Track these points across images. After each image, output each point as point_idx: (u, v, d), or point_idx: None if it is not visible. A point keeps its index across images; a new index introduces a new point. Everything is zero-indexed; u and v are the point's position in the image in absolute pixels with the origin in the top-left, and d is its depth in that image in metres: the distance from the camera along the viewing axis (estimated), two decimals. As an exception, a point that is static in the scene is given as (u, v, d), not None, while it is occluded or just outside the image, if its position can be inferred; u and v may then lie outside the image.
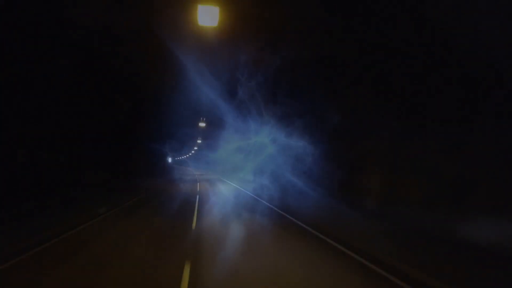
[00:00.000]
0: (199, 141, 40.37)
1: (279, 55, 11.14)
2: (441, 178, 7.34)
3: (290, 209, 11.06)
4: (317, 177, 15.59)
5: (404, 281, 4.53)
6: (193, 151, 62.66)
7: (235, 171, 31.15)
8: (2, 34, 8.08)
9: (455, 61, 7.09)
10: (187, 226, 8.14)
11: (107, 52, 12.15)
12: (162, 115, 25.74)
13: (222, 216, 9.79)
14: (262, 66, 12.26)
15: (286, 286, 4.33)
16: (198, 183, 25.33)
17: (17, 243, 5.72)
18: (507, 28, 5.90)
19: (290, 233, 7.89)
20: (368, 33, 8.60)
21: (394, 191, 9.25)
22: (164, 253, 5.66)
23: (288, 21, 9.43)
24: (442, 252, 6.03)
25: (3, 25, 7.95)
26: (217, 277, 4.56)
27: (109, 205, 11.09)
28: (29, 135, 10.66)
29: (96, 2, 8.39)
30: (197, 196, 15.39)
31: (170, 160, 57.88)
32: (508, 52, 6.02)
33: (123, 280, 4.31)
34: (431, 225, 7.16)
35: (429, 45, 7.46)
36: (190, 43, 10.40)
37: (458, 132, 7.01)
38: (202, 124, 24.85)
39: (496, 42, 6.14)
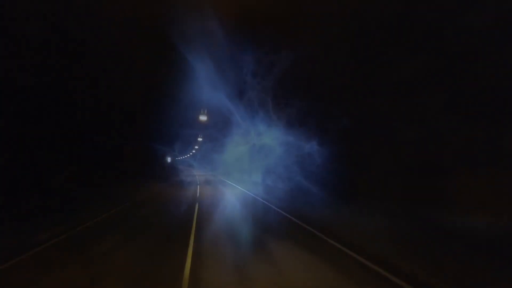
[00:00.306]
0: (199, 139, 36.76)
1: (290, 53, 10.46)
2: None
3: (344, 237, 7.25)
4: (347, 181, 12.05)
5: None
6: (194, 151, 59.05)
7: (242, 172, 28.11)
8: None
9: None
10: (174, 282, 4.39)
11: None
12: (162, 114, 23.82)
13: (234, 247, 6.07)
14: (271, 65, 11.67)
15: None
16: (198, 186, 21.60)
17: None
18: None
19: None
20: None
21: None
22: None
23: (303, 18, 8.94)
24: None
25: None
26: None
27: (62, 227, 7.41)
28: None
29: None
30: (196, 206, 11.67)
31: (169, 160, 54.20)
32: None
33: None
34: None
35: None
36: (196, 36, 9.91)
37: None
38: (203, 118, 21.17)
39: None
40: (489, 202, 6.33)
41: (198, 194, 16.36)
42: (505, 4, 5.71)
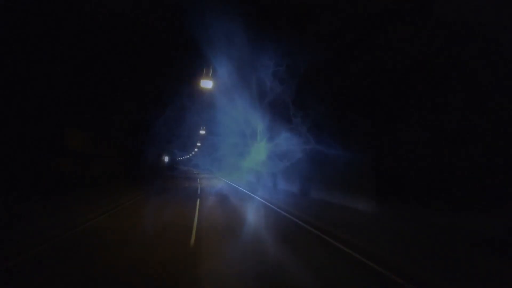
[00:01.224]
0: (202, 132, 28.57)
1: (309, 57, 10.00)
2: None
3: None
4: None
5: None
6: (196, 149, 50.74)
7: (259, 177, 20.97)
8: None
9: None
10: None
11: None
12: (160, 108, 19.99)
13: None
14: (291, 69, 10.96)
15: None
16: (198, 200, 13.10)
17: None
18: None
19: None
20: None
21: None
22: None
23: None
24: None
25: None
26: None
27: None
28: None
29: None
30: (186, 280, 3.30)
31: (167, 159, 45.69)
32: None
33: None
34: None
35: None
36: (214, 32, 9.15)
37: None
38: (206, 84, 13.03)
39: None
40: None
41: (195, 223, 7.88)
42: None
